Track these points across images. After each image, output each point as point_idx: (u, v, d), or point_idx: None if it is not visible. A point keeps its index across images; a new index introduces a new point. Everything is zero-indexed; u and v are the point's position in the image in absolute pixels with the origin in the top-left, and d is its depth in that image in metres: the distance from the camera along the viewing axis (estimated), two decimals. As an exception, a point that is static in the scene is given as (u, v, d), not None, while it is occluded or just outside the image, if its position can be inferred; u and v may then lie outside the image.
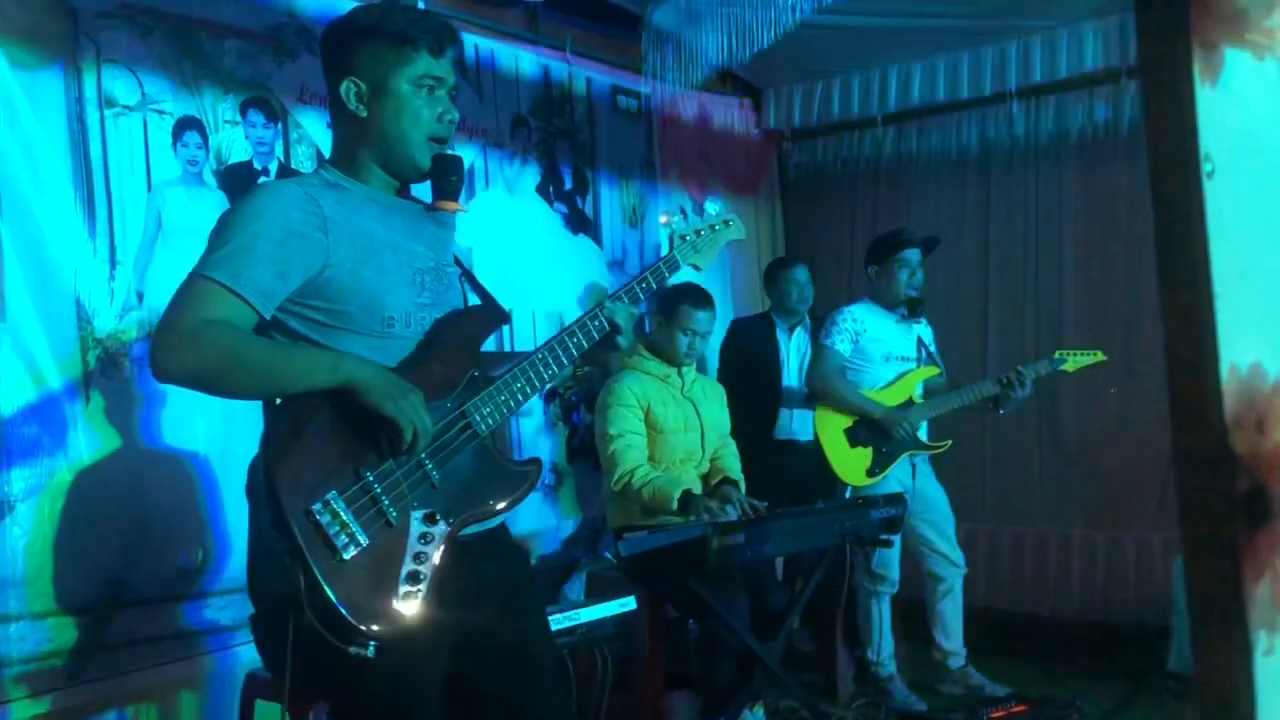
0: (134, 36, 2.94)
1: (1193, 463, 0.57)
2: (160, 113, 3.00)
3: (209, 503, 3.03)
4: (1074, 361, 3.75)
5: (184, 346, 1.54)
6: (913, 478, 3.78)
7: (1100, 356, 3.78)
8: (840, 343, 3.73)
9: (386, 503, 1.60)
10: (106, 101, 2.88)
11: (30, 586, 2.66)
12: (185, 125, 3.06)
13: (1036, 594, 4.64)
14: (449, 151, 1.78)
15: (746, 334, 4.37)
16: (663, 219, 2.15)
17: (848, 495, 3.62)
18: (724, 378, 4.11)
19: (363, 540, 1.56)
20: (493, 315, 1.88)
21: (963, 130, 4.92)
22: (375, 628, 1.54)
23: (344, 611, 1.51)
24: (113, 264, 2.88)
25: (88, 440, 2.79)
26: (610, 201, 4.53)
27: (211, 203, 3.08)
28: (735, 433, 3.57)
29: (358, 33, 1.75)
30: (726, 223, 2.19)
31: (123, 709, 2.85)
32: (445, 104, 1.76)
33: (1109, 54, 4.25)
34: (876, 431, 3.68)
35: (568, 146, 4.34)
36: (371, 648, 1.54)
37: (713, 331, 3.48)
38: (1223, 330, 0.55)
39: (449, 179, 1.77)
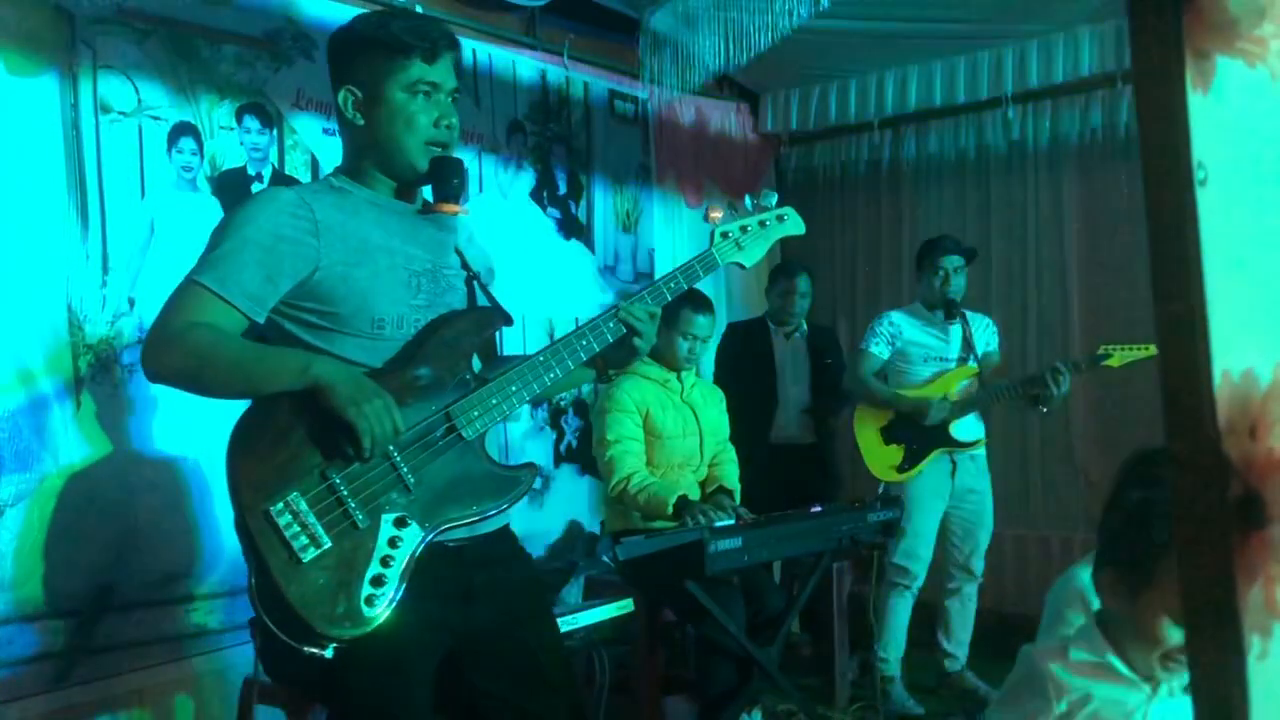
0: (130, 43, 2.94)
1: (1186, 468, 0.57)
2: (156, 119, 3.00)
3: (199, 508, 3.02)
4: (1119, 356, 3.57)
5: (168, 348, 1.59)
6: (951, 476, 3.82)
7: (1151, 350, 3.54)
8: (876, 346, 3.86)
9: (353, 505, 1.60)
10: (102, 107, 2.88)
11: (19, 590, 2.66)
12: (180, 131, 3.06)
13: (1038, 598, 4.62)
14: (450, 155, 1.77)
15: (743, 337, 4.37)
16: (713, 214, 1.97)
17: (880, 491, 3.69)
18: (720, 380, 4.11)
19: (325, 542, 1.56)
20: (490, 317, 1.83)
21: (959, 135, 4.94)
22: (333, 629, 1.54)
23: (298, 611, 1.52)
24: (105, 270, 2.88)
25: (78, 445, 2.79)
26: (604, 206, 4.53)
27: (205, 209, 3.07)
28: (731, 436, 3.57)
29: (354, 41, 1.75)
30: (781, 217, 1.98)
31: (110, 713, 2.84)
32: (443, 108, 1.75)
33: (1104, 59, 4.26)
34: (910, 429, 3.76)
35: (563, 151, 4.35)
36: (331, 649, 1.54)
37: (712, 336, 3.48)
38: (1216, 337, 0.56)
39: (450, 181, 1.76)
